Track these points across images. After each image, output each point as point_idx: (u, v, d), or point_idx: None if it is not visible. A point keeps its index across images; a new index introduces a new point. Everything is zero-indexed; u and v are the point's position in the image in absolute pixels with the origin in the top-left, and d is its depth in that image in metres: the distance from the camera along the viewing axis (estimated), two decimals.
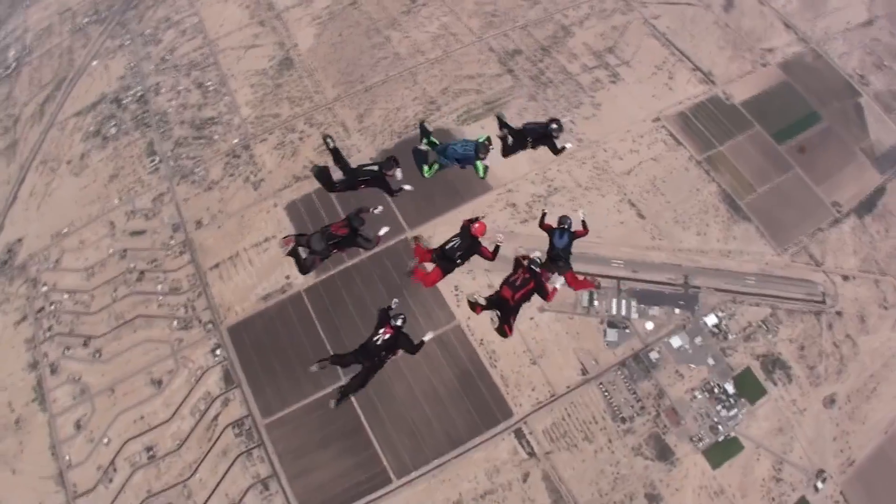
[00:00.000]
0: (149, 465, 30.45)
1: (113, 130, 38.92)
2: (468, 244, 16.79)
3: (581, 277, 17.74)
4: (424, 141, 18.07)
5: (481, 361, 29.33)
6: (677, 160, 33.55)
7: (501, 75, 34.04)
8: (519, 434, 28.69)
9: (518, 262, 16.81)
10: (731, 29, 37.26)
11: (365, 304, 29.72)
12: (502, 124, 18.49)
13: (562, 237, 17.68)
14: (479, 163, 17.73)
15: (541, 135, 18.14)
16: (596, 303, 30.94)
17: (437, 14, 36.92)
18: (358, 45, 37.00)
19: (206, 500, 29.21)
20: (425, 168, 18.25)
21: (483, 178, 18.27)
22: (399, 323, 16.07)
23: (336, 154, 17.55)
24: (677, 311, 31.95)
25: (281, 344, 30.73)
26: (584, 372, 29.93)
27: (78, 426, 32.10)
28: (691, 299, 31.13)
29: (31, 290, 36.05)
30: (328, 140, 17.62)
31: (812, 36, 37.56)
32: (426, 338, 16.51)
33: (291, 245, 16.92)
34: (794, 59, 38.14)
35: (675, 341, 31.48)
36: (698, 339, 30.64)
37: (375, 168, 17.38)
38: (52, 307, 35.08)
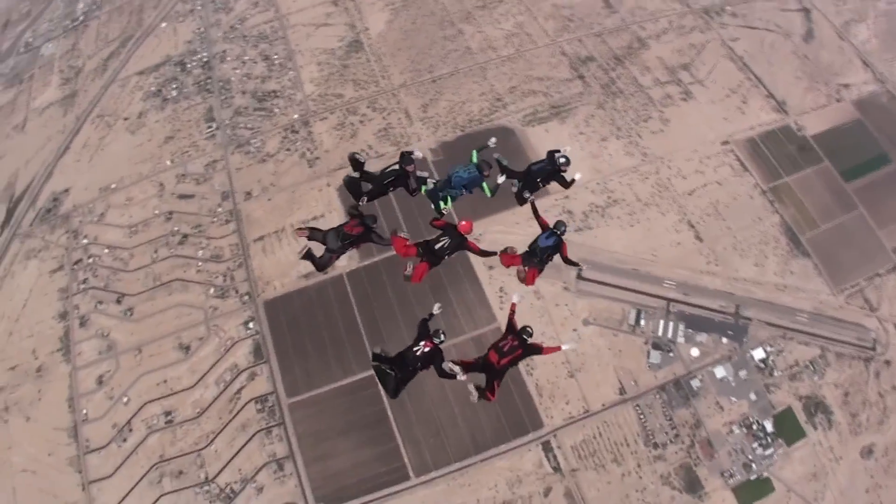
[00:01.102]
0: (165, 430, 30.36)
1: (174, 93, 39.18)
2: (457, 242, 16.88)
3: (536, 276, 17.76)
4: (434, 182, 18.25)
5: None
6: (742, 186, 33.10)
7: (572, 80, 33.89)
8: (547, 447, 28.01)
9: (510, 326, 16.89)
10: (809, 60, 37.16)
11: (406, 295, 29.60)
12: (504, 169, 18.31)
13: (548, 238, 17.50)
14: (485, 183, 17.90)
15: (550, 172, 18.28)
16: (643, 322, 30.50)
17: (513, 12, 36.91)
18: (430, 34, 36.87)
19: (219, 473, 29.10)
20: (441, 204, 18.14)
21: (492, 196, 18.34)
22: (440, 341, 16.48)
23: (362, 170, 18.04)
24: (725, 340, 31.58)
25: (316, 324, 30.53)
26: (622, 391, 29.25)
27: (99, 382, 32.18)
28: (740, 330, 31.06)
29: (70, 241, 36.13)
30: (358, 156, 18.11)
31: (889, 77, 36.93)
32: (460, 377, 16.36)
33: (305, 237, 17.36)
34: (869, 97, 38.11)
35: (719, 371, 31.25)
36: (743, 373, 30.77)
37: (396, 167, 17.66)
38: (90, 260, 35.21)
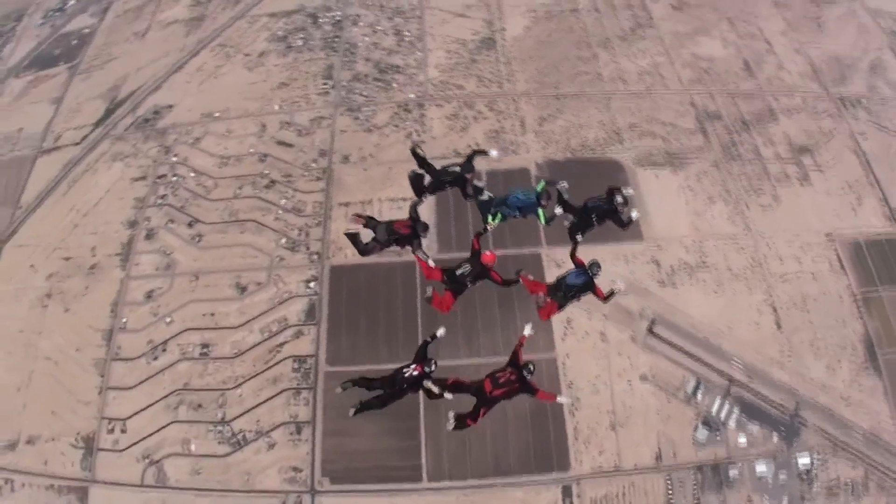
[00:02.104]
0: (198, 361, 30.37)
1: (299, 42, 39.75)
2: (479, 271, 17.48)
3: (553, 312, 19.02)
4: (485, 195, 19.16)
5: (561, 405, 27.46)
6: (835, 285, 31.81)
7: (694, 133, 33.53)
8: (566, 491, 26.80)
9: (514, 358, 17.52)
10: None
11: (472, 300, 27.87)
12: (562, 201, 18.78)
13: (578, 277, 17.97)
14: (541, 210, 18.47)
15: (605, 211, 18.77)
16: (700, 395, 29.32)
17: (651, 51, 36.52)
18: (564, 51, 36.56)
19: (236, 417, 28.89)
20: (489, 217, 18.97)
21: (546, 224, 19.16)
22: (429, 370, 16.99)
23: (423, 162, 19.06)
24: (775, 437, 29.87)
25: (375, 303, 30.21)
26: (659, 458, 27.92)
27: (148, 296, 32.29)
28: (793, 431, 29.89)
29: (160, 155, 36.69)
30: (418, 149, 19.32)
31: None
32: (447, 396, 17.45)
33: (361, 224, 18.53)
34: None
35: (760, 467, 29.63)
36: (783, 475, 29.41)
37: (458, 170, 18.73)
38: (175, 179, 35.64)
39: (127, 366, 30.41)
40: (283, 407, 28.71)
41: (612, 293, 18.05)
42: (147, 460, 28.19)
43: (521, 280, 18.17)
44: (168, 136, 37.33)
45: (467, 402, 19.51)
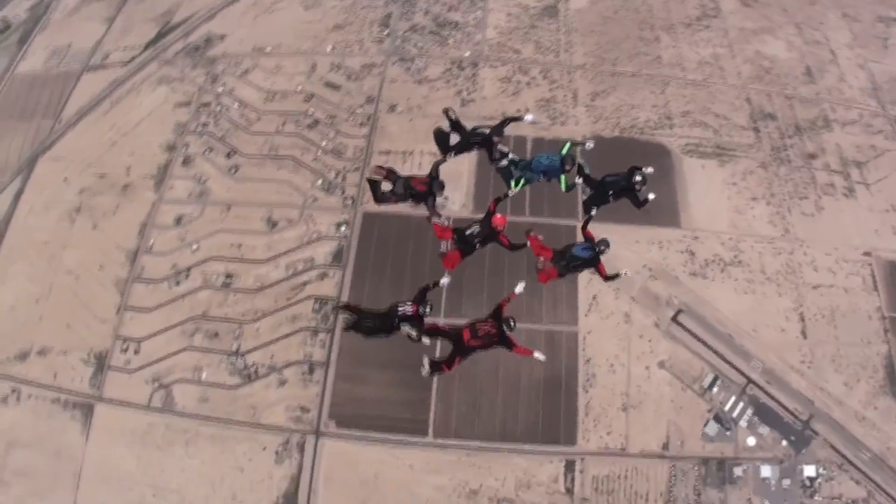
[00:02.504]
0: (219, 290, 30.39)
1: None
2: (487, 233, 17.38)
3: (552, 277, 18.67)
4: (507, 161, 18.84)
5: (577, 379, 27.76)
6: (865, 304, 30.88)
7: (745, 129, 32.71)
8: (569, 466, 26.77)
9: (497, 312, 17.26)
10: None
11: (500, 264, 28.62)
12: (581, 173, 18.73)
13: (585, 250, 17.96)
14: (564, 176, 18.33)
15: (622, 188, 18.75)
16: (715, 389, 29.10)
17: (714, 41, 35.84)
18: (626, 29, 35.83)
19: (251, 350, 29.01)
20: (512, 183, 18.83)
21: (566, 191, 18.86)
22: (424, 311, 16.99)
23: (455, 124, 19.18)
24: (784, 443, 29.53)
25: (403, 254, 29.90)
26: (665, 447, 27.84)
27: (178, 221, 32.32)
28: (803, 440, 29.50)
29: (207, 83, 36.31)
30: (450, 111, 19.43)
31: None
32: (425, 341, 17.25)
33: (382, 176, 18.42)
34: None
35: (765, 471, 29.36)
36: (787, 482, 29.16)
37: (486, 132, 18.70)
38: (218, 108, 35.40)
39: (148, 288, 30.32)
40: (298, 346, 28.48)
41: (616, 275, 18.38)
42: (156, 384, 28.17)
43: (528, 242, 17.99)
44: (217, 66, 36.93)
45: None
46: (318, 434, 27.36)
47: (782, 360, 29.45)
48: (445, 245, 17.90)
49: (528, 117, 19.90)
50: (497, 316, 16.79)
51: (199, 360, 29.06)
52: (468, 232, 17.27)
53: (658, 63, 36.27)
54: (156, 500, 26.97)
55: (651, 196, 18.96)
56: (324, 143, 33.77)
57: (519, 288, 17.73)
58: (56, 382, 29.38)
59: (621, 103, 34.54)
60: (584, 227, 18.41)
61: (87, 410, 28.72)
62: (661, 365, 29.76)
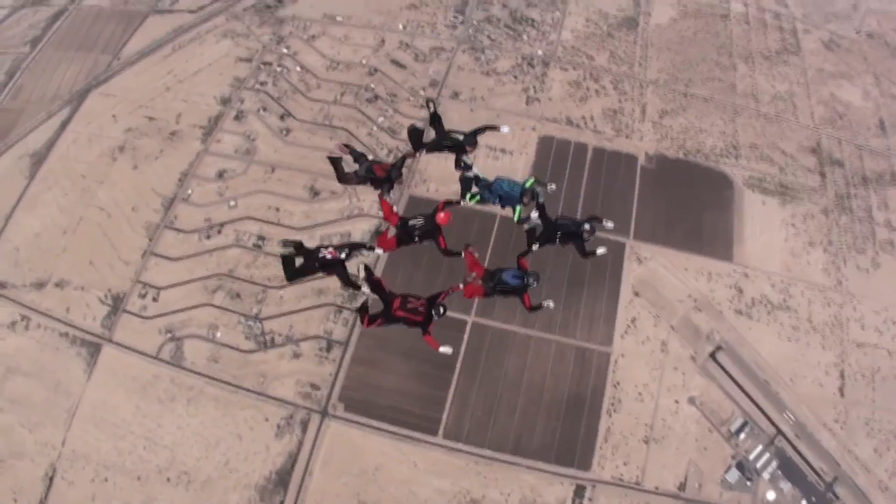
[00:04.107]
0: (249, 251, 28.91)
1: None
2: (429, 228, 17.42)
3: (477, 295, 18.42)
4: (472, 174, 18.82)
5: (602, 402, 25.80)
6: None
7: (812, 172, 30.85)
8: (579, 491, 24.70)
9: (435, 295, 17.39)
10: None
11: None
12: (539, 207, 18.42)
13: (514, 278, 17.70)
14: (519, 207, 18.01)
15: (571, 233, 18.36)
16: (743, 436, 26.70)
17: (791, 78, 33.91)
18: (704, 52, 34.40)
19: (271, 317, 27.49)
20: (468, 196, 18.92)
21: (517, 223, 18.59)
22: (343, 256, 17.26)
23: (434, 118, 19.21)
24: (804, 503, 27.02)
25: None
26: (682, 488, 25.61)
27: (220, 175, 31.02)
28: (823, 502, 26.90)
29: (272, 43, 35.22)
30: (431, 103, 19.58)
31: None
32: (364, 289, 17.52)
33: (346, 153, 19.04)
34: None
35: None
36: None
37: (460, 138, 18.81)
38: (279, 69, 34.08)
39: (178, 237, 28.81)
40: (320, 320, 26.81)
41: (539, 306, 18.08)
42: (169, 335, 26.68)
43: (464, 255, 18.28)
44: (284, 27, 35.77)
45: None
46: (324, 414, 25.77)
47: (815, 415, 27.23)
48: (386, 226, 18.15)
49: (505, 129, 19.84)
50: (433, 299, 16.93)
51: (217, 318, 27.58)
52: (411, 223, 17.52)
53: (732, 91, 34.53)
54: (146, 453, 25.42)
55: (601, 251, 18.99)
56: (380, 120, 32.19)
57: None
58: (68, 317, 27.98)
59: (689, 125, 32.86)
60: (520, 256, 18.41)
61: (94, 350, 27.28)
62: (692, 401, 27.51)
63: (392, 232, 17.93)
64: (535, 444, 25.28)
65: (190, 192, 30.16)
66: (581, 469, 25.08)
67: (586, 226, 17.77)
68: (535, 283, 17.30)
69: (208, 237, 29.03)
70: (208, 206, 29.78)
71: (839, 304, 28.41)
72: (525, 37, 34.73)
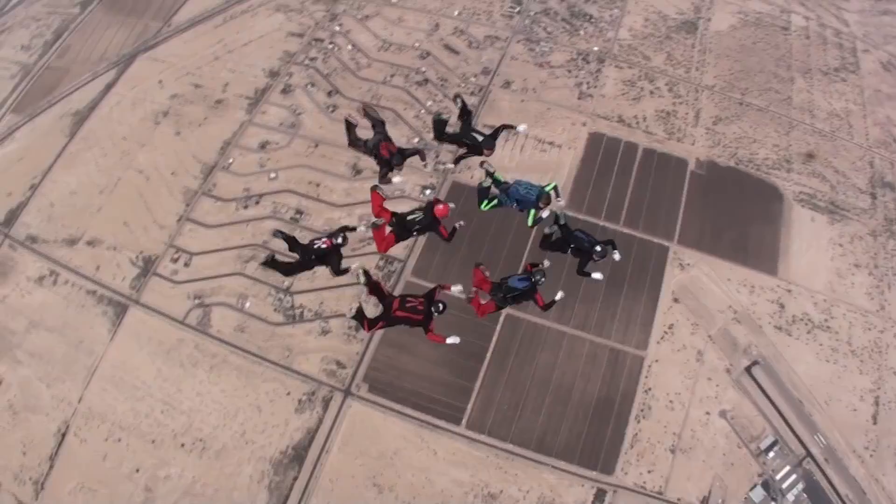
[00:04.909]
0: (286, 223, 27.91)
1: None
2: (429, 221, 16.90)
3: (489, 311, 17.60)
4: (490, 180, 17.98)
5: (631, 407, 24.51)
6: None
7: (863, 193, 29.27)
8: (599, 495, 23.40)
9: (432, 291, 16.91)
10: None
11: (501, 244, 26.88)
12: (557, 222, 17.95)
13: (521, 281, 16.98)
14: (532, 210, 17.38)
15: (583, 249, 17.71)
16: (772, 454, 25.13)
17: (849, 96, 32.41)
18: (762, 63, 32.88)
19: (301, 292, 26.69)
20: (484, 202, 18.33)
21: (530, 226, 17.91)
22: (340, 241, 16.73)
23: (464, 112, 18.19)
24: None
25: (482, 235, 27.06)
26: (705, 501, 24.15)
27: (262, 146, 30.16)
28: None
29: (325, 20, 34.50)
30: (458, 98, 18.48)
31: None
32: (361, 283, 17.13)
33: (362, 117, 18.25)
34: None
35: None
36: None
37: (479, 139, 17.87)
38: (331, 46, 33.40)
39: (215, 205, 27.79)
40: (351, 299, 25.52)
41: (552, 302, 17.36)
42: (197, 301, 25.72)
43: (473, 273, 17.63)
44: (339, 5, 34.78)
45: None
46: (347, 393, 24.79)
47: (846, 440, 25.58)
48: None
49: (521, 128, 18.97)
50: (429, 297, 16.50)
51: (248, 288, 26.66)
52: (409, 217, 16.90)
53: (788, 104, 33.17)
54: (163, 416, 24.52)
55: (597, 276, 18.18)
56: (429, 104, 31.10)
57: (457, 288, 17.51)
58: (97, 275, 27.29)
59: (743, 134, 31.54)
60: (527, 265, 17.83)
61: (120, 310, 26.51)
62: (723, 414, 25.98)
63: (388, 229, 17.09)
64: (559, 443, 24.08)
65: (231, 161, 29.37)
66: (604, 473, 23.85)
67: (598, 248, 17.07)
68: (542, 279, 16.60)
69: (246, 207, 28.18)
70: (248, 176, 28.95)
71: (880, 330, 26.91)
72: (582, 32, 33.84)
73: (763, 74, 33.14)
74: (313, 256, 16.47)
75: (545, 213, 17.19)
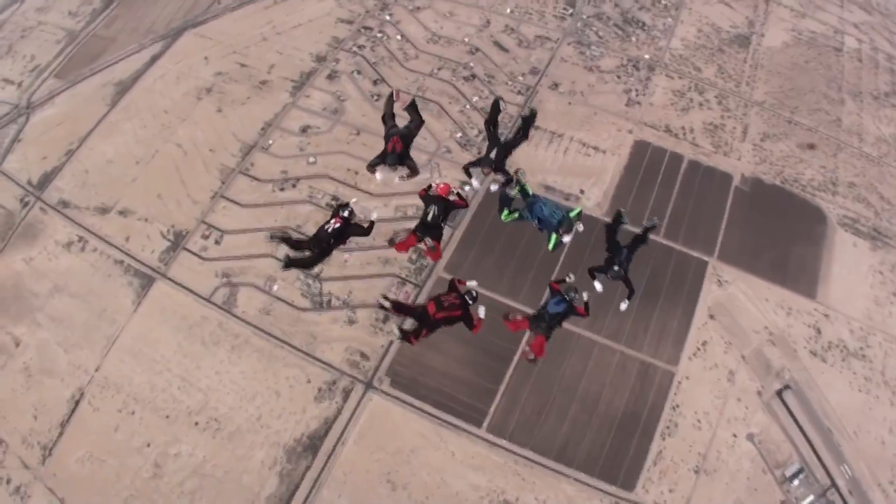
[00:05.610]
0: (321, 210, 27.22)
1: None
2: (443, 206, 17.26)
3: (540, 341, 17.46)
4: (517, 189, 17.80)
5: (657, 422, 23.40)
6: None
7: None
8: None
9: (453, 284, 17.15)
10: None
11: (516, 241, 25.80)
12: (616, 225, 18.44)
13: (558, 304, 17.03)
14: (553, 235, 17.25)
15: (621, 276, 17.95)
16: (797, 482, 23.84)
17: None
18: (813, 82, 32.09)
19: (331, 279, 25.75)
20: (505, 212, 18.18)
21: (551, 250, 17.83)
22: (346, 214, 17.16)
23: (495, 115, 18.63)
24: None
25: (519, 236, 25.86)
26: None
27: (303, 130, 29.36)
28: None
29: (375, 9, 33.75)
30: (500, 103, 18.73)
31: None
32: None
33: (407, 100, 18.38)
34: None
35: None
36: None
37: (490, 157, 18.28)
38: (380, 35, 32.66)
39: (251, 184, 27.15)
40: (381, 291, 24.54)
41: (588, 305, 17.51)
42: (225, 279, 25.07)
43: (505, 325, 17.93)
44: None
45: None
46: (368, 385, 23.95)
47: (872, 473, 24.30)
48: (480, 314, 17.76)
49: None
50: (455, 288, 16.61)
51: (276, 271, 25.87)
52: (430, 217, 17.23)
53: (837, 125, 32.07)
54: (179, 393, 23.96)
55: (598, 287, 19.07)
56: (475, 99, 30.34)
57: (473, 283, 18.27)
58: (126, 245, 26.75)
59: (790, 153, 30.51)
60: (552, 284, 18.35)
61: (146, 282, 25.99)
62: (750, 437, 24.70)
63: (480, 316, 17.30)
64: (581, 454, 23.03)
65: (271, 142, 28.74)
66: (624, 489, 22.80)
67: (616, 268, 17.52)
68: (576, 294, 16.85)
69: (282, 189, 27.55)
70: (287, 158, 28.33)
71: None
72: (633, 38, 32.91)
73: (813, 94, 32.21)
74: (331, 240, 16.56)
75: (566, 239, 17.19)
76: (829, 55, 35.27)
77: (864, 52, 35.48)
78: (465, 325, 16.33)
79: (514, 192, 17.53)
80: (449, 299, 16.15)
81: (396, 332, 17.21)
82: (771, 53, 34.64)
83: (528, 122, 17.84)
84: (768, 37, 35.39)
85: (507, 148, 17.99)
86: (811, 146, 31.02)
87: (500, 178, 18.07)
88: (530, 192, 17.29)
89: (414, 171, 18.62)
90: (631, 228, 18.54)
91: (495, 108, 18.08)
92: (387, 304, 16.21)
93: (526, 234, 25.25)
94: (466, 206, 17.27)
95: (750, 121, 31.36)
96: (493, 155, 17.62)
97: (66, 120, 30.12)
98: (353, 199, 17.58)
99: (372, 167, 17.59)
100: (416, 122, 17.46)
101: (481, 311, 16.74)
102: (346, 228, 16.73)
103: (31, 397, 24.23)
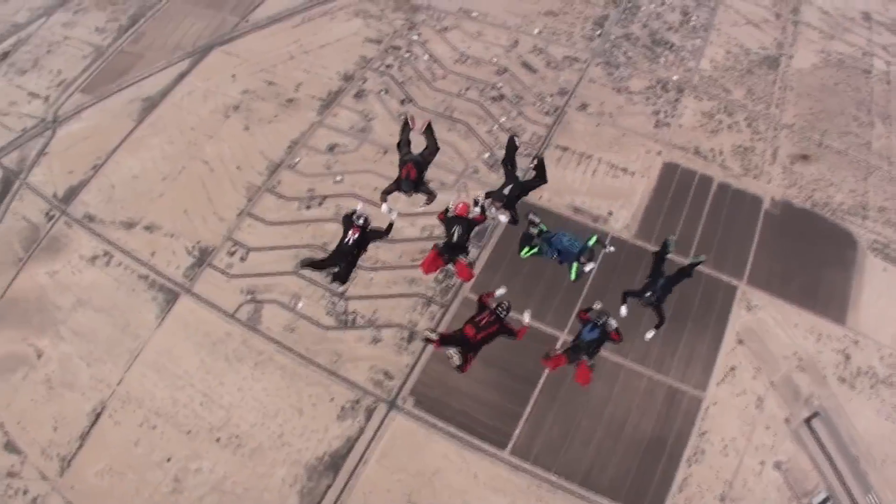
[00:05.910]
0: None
1: None
2: (466, 225, 17.11)
3: (590, 372, 16.71)
4: (537, 229, 17.79)
5: (684, 449, 22.81)
6: None
7: None
8: None
9: (482, 303, 16.59)
10: None
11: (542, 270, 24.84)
12: (663, 252, 18.05)
13: (592, 331, 16.54)
14: (575, 265, 17.03)
15: (653, 303, 17.32)
16: None
17: None
18: (843, 105, 31.44)
19: (357, 298, 25.68)
20: (525, 249, 18.03)
21: (574, 280, 17.70)
22: (361, 222, 17.04)
23: (511, 152, 18.40)
24: None
25: (543, 262, 22.22)
26: None
27: (330, 149, 29.30)
28: None
29: (403, 29, 33.51)
30: (515, 139, 18.38)
31: None
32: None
33: (417, 125, 18.24)
34: None
35: None
36: None
37: (505, 192, 18.18)
38: (407, 55, 32.35)
39: (277, 202, 26.90)
40: (406, 310, 24.60)
41: (617, 330, 16.81)
42: (250, 296, 24.78)
43: (544, 365, 16.91)
44: (419, 14, 33.88)
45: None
46: (392, 405, 23.58)
47: None
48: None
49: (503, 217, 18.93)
50: (485, 307, 16.29)
51: (302, 289, 25.73)
52: (455, 240, 16.93)
53: (867, 149, 31.37)
54: (201, 409, 23.65)
55: (621, 312, 17.91)
56: (503, 120, 29.95)
57: (501, 291, 17.77)
58: (152, 261, 26.60)
59: (820, 177, 29.83)
60: (579, 313, 17.84)
61: (171, 297, 25.70)
62: (777, 466, 24.02)
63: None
64: (605, 479, 22.43)
65: (298, 160, 28.50)
66: None
67: (648, 294, 16.98)
68: (608, 318, 16.38)
69: (308, 207, 27.33)
70: (314, 176, 28.08)
71: None
72: (662, 60, 32.54)
73: (843, 117, 31.65)
74: (355, 250, 16.58)
75: (588, 268, 17.03)
76: (858, 77, 34.75)
77: (892, 73, 34.96)
78: (507, 337, 15.79)
79: (534, 229, 17.57)
80: (483, 318, 15.74)
81: (455, 359, 16.08)
82: (800, 75, 34.10)
83: (540, 169, 17.62)
84: (797, 58, 34.87)
85: (524, 188, 17.76)
86: (804, 157, 30.56)
87: (505, 217, 17.86)
88: (545, 229, 17.44)
89: (431, 195, 18.23)
90: (673, 257, 18.60)
91: (511, 146, 17.84)
92: (434, 337, 15.58)
93: (544, 276, 25.46)
94: (485, 219, 17.20)
95: (780, 144, 30.87)
96: (506, 191, 17.31)
97: (92, 134, 29.91)
98: (359, 205, 17.52)
99: (386, 194, 17.33)
100: (432, 148, 17.44)
101: (526, 317, 16.51)
102: (366, 235, 16.78)
103: (51, 409, 23.86)
